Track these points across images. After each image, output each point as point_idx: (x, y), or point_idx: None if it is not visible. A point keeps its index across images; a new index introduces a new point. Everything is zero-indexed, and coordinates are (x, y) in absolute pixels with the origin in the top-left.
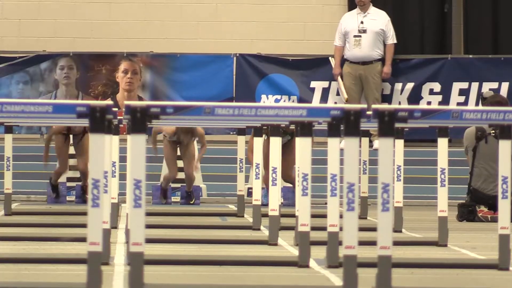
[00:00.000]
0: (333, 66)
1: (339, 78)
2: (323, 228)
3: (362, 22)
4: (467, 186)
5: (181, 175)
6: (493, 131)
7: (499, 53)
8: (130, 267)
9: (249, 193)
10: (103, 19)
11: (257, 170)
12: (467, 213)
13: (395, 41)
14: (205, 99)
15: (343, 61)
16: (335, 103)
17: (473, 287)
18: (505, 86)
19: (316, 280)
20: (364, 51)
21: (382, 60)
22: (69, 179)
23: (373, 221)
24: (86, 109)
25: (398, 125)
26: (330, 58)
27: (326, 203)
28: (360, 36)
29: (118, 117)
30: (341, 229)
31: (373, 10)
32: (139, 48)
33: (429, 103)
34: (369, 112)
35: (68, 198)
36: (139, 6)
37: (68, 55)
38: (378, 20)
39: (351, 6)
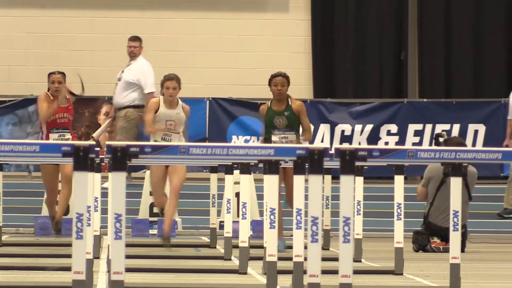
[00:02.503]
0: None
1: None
2: (289, 258)
3: (123, 71)
4: (422, 219)
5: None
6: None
7: (451, 97)
8: None
9: (221, 226)
10: (86, 66)
11: (244, 209)
12: (421, 240)
13: (151, 90)
14: None
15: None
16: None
17: None
18: (456, 127)
19: None
20: (115, 97)
21: (134, 106)
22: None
23: (335, 252)
24: (70, 149)
25: (358, 163)
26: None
27: (292, 235)
28: (116, 84)
29: (100, 156)
30: (305, 259)
31: (138, 61)
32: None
33: (386, 143)
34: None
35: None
36: (119, 54)
37: None
38: (134, 71)
39: (315, 54)
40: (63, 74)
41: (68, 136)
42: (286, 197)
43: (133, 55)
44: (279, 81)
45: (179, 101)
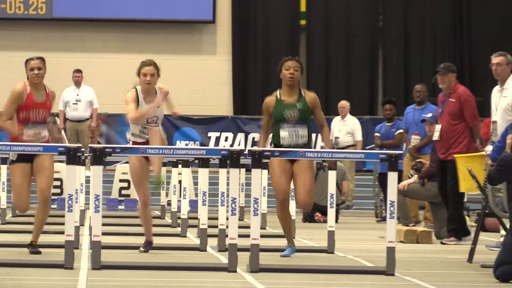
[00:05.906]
0: (59, 122)
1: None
2: (216, 226)
3: (78, 95)
4: None
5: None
6: (327, 164)
7: (331, 114)
8: (91, 251)
9: (168, 204)
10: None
11: (184, 192)
12: (308, 217)
13: (97, 106)
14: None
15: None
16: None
17: (309, 264)
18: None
19: (211, 259)
20: (80, 113)
21: (89, 117)
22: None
23: (248, 222)
24: (64, 149)
25: (264, 160)
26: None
27: (217, 210)
28: (77, 103)
29: (85, 154)
30: (227, 226)
31: (84, 86)
32: (99, 110)
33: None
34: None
35: (52, 206)
36: (97, 82)
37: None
38: (88, 93)
39: (234, 84)
40: (42, 59)
41: (45, 133)
42: (296, 197)
43: (78, 82)
44: (291, 64)
45: (157, 89)
